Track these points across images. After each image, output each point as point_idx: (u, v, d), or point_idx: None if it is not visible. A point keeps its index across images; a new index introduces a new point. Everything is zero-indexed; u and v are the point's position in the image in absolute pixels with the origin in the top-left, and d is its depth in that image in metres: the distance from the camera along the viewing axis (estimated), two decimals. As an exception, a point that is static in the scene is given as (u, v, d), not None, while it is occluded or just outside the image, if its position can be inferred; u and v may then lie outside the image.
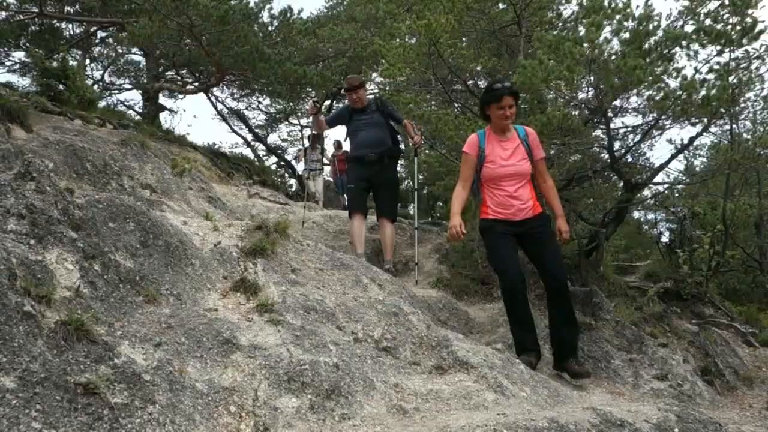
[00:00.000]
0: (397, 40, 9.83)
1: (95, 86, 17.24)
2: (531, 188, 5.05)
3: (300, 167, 17.77)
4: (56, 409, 2.55)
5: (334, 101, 21.58)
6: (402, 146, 7.88)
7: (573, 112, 7.61)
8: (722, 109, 6.22)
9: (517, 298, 4.86)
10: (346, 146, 14.74)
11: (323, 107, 21.35)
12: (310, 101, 7.45)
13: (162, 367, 3.13)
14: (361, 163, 7.11)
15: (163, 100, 17.46)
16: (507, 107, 4.86)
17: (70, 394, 2.64)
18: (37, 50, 14.38)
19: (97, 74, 19.05)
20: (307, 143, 15.19)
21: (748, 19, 5.95)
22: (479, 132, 5.18)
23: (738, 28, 5.99)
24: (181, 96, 19.18)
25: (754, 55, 6.33)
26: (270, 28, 15.04)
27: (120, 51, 18.72)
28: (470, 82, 9.72)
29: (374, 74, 13.41)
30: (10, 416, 2.40)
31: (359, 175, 7.15)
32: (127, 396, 2.82)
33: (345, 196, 14.89)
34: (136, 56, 18.90)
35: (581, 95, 7.25)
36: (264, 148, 23.59)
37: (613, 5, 6.27)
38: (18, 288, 2.95)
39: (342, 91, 7.22)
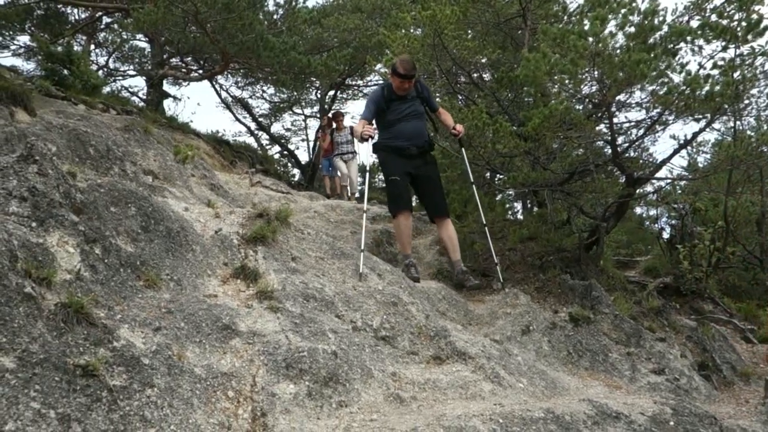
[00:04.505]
0: (402, 30, 9.81)
1: (99, 72, 17.19)
2: None
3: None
4: (55, 389, 2.57)
5: (338, 92, 21.55)
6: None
7: (576, 106, 7.62)
8: (726, 105, 6.22)
9: None
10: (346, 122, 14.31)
11: (327, 97, 21.34)
12: (371, 128, 6.21)
13: (161, 351, 3.15)
14: (401, 155, 6.28)
15: (167, 87, 17.45)
16: None
17: (69, 376, 2.66)
18: (42, 35, 14.39)
19: (102, 60, 19.01)
20: (333, 123, 14.14)
21: (754, 16, 5.94)
22: None
23: (743, 24, 5.97)
24: (185, 83, 19.19)
25: (759, 52, 6.31)
26: (275, 17, 15.03)
27: (125, 37, 18.69)
28: (475, 74, 9.72)
29: (379, 65, 13.37)
30: (9, 396, 2.43)
31: (402, 167, 6.25)
32: (126, 379, 2.84)
33: (332, 177, 14.69)
34: (141, 42, 18.85)
35: (585, 89, 7.24)
36: (267, 137, 23.55)
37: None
38: (19, 270, 2.97)
39: (391, 73, 6.26)
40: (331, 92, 21.31)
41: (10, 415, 2.38)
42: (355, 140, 13.67)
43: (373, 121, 6.40)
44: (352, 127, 13.90)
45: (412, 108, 6.35)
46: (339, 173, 13.82)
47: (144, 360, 3.01)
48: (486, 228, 6.64)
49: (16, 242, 3.15)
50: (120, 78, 19.70)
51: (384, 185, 7.58)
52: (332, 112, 14.77)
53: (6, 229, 3.16)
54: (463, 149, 6.79)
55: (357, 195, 13.99)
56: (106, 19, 16.98)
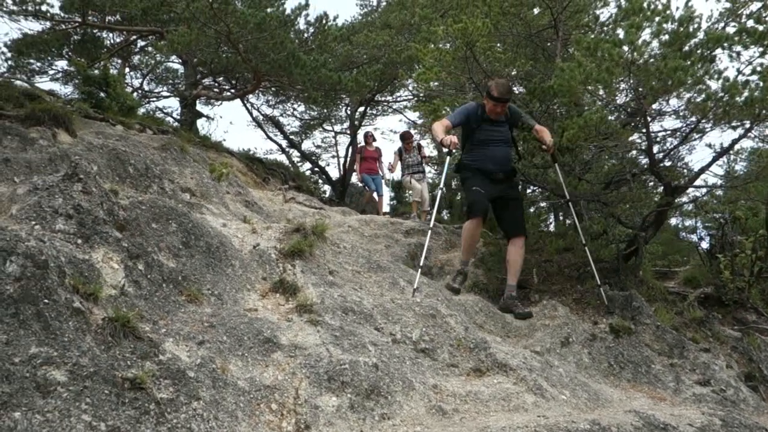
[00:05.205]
0: (432, 44, 9.84)
1: (135, 93, 17.54)
2: None
3: (394, 175, 15.95)
4: (105, 402, 2.61)
5: (368, 108, 21.65)
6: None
7: (609, 116, 7.54)
8: (765, 112, 6.11)
9: None
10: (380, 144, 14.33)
11: (356, 113, 21.46)
12: (452, 138, 5.93)
13: (205, 365, 3.18)
14: (487, 177, 6.25)
15: (200, 107, 17.72)
16: None
17: (117, 389, 2.70)
18: (79, 59, 14.74)
19: (137, 82, 19.39)
20: (399, 143, 14.20)
21: (792, 20, 5.84)
22: None
23: (781, 28, 5.87)
24: (217, 103, 19.47)
25: (799, 56, 6.19)
26: (306, 35, 15.19)
27: (159, 59, 19.06)
28: (506, 86, 9.68)
29: (409, 80, 13.41)
30: (61, 408, 2.47)
31: (486, 185, 6.21)
32: (173, 392, 2.87)
33: (367, 189, 14.81)
34: (175, 64, 19.24)
35: (619, 99, 7.17)
36: (298, 154, 23.76)
37: (652, 7, 6.20)
38: (67, 285, 3.03)
39: (485, 95, 6.25)
40: (361, 108, 21.42)
41: (63, 427, 2.41)
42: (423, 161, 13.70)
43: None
44: (420, 145, 13.94)
45: (502, 134, 6.33)
46: (411, 191, 13.85)
47: (189, 373, 3.03)
48: (586, 248, 6.35)
49: (64, 258, 3.22)
50: (154, 99, 20.04)
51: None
52: (402, 132, 14.72)
53: (54, 246, 3.23)
54: (556, 165, 6.63)
55: (429, 209, 13.92)
56: (140, 42, 17.35)
